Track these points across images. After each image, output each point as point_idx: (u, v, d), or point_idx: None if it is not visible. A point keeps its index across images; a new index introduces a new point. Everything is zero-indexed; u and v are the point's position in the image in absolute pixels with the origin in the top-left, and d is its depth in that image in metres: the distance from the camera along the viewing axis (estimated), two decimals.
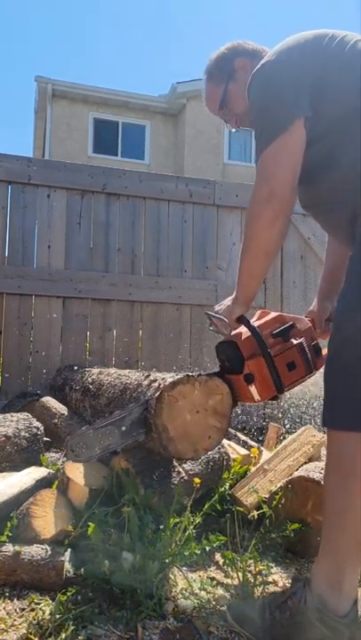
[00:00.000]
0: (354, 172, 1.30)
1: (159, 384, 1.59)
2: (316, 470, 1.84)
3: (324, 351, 1.61)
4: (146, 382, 1.71)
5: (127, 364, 3.38)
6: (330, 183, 1.38)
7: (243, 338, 1.47)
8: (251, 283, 1.45)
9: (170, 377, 1.59)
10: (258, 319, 1.56)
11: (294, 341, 1.50)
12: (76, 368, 2.94)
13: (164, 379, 1.61)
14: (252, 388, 1.46)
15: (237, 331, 1.50)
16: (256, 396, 1.47)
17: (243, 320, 1.46)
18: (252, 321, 1.51)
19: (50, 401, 2.54)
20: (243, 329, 1.49)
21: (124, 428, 1.52)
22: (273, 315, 1.56)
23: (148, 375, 1.76)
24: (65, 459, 2.05)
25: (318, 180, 1.40)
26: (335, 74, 1.31)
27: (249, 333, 1.47)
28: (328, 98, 1.31)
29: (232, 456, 2.08)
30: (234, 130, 1.69)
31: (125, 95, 13.38)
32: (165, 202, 3.59)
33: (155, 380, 1.65)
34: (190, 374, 1.57)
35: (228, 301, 1.52)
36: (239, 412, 3.55)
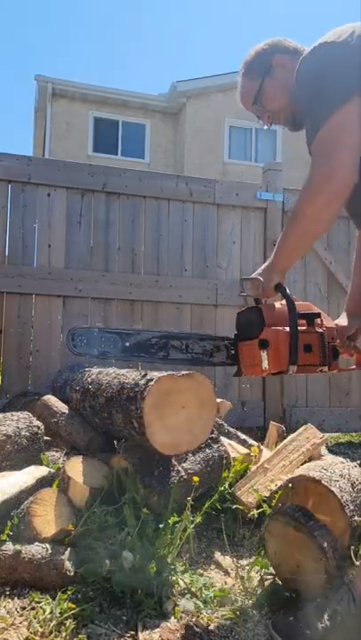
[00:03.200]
0: None
1: (147, 382, 1.63)
2: (316, 469, 1.84)
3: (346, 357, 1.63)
4: (143, 382, 1.72)
5: (127, 362, 3.37)
6: None
7: (268, 307, 1.47)
8: (292, 256, 1.46)
9: (158, 375, 1.63)
10: None
11: (318, 329, 1.49)
12: (76, 367, 2.94)
13: (152, 379, 1.65)
14: (263, 356, 1.43)
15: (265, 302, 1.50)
16: (265, 364, 1.43)
17: (280, 288, 1.46)
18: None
19: (50, 399, 2.53)
20: (270, 302, 1.49)
21: (127, 344, 1.52)
22: (303, 303, 1.55)
23: (145, 374, 1.77)
24: (65, 458, 2.05)
25: None
26: None
27: (275, 306, 1.46)
28: None
29: (232, 455, 2.08)
30: (266, 127, 1.65)
31: (125, 94, 13.35)
32: (165, 201, 3.59)
33: (151, 380, 1.66)
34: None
35: (262, 269, 1.50)
36: (240, 410, 3.55)
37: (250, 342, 1.48)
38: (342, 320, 1.72)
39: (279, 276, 1.45)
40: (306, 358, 1.45)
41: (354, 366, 1.74)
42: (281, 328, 1.43)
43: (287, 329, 1.42)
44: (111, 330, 1.55)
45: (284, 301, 1.53)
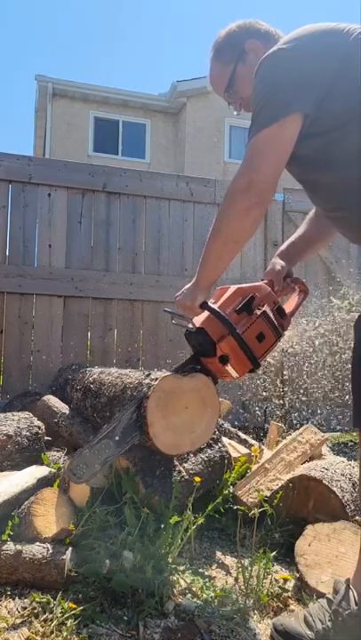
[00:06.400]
0: (349, 174, 1.26)
1: (151, 381, 1.64)
2: (317, 469, 1.84)
3: (288, 306, 1.65)
4: (147, 381, 1.72)
5: (128, 362, 3.37)
6: (329, 183, 1.35)
7: (209, 322, 1.48)
8: (216, 269, 1.44)
9: (163, 374, 1.65)
10: (218, 299, 1.55)
11: (258, 312, 1.50)
12: (77, 367, 2.94)
13: (157, 378, 1.65)
14: (229, 368, 1.49)
15: (202, 316, 1.50)
16: (234, 374, 1.50)
17: (205, 306, 1.47)
18: (211, 301, 1.51)
19: (51, 400, 2.53)
20: (207, 313, 1.49)
21: (117, 438, 1.55)
22: (232, 290, 1.54)
23: (149, 374, 1.77)
24: (66, 458, 2.05)
25: (319, 180, 1.37)
26: (352, 69, 1.23)
27: (213, 318, 1.48)
28: (339, 93, 1.24)
29: (233, 455, 2.08)
30: (236, 113, 1.62)
31: (126, 94, 13.35)
32: (166, 201, 3.59)
33: (156, 379, 1.66)
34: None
35: (187, 289, 1.51)
36: (240, 410, 3.55)
37: (211, 359, 1.52)
38: (276, 265, 1.70)
39: (203, 294, 1.47)
40: (264, 346, 1.50)
41: (297, 299, 1.74)
42: (232, 337, 1.45)
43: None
44: (97, 438, 1.54)
45: (217, 298, 1.55)
